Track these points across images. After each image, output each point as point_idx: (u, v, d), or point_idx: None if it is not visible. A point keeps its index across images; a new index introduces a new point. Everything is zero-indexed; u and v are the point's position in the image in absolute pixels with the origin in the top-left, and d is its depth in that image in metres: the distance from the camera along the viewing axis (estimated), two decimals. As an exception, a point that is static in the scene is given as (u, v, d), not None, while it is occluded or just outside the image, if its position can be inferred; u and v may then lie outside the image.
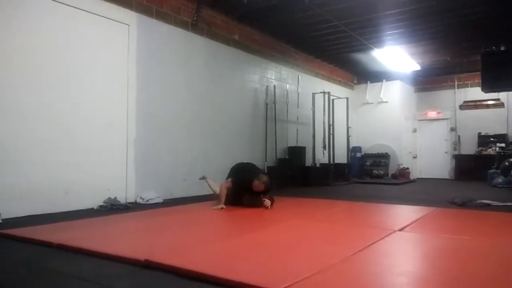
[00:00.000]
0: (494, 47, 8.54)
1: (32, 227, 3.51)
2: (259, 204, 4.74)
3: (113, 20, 5.38)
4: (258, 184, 4.75)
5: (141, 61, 5.75)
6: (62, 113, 4.75)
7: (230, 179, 4.98)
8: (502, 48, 8.48)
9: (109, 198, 5.04)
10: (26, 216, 4.21)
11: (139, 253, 2.52)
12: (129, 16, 5.61)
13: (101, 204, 4.93)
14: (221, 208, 4.72)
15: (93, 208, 4.85)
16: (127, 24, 5.58)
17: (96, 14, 5.16)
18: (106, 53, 5.31)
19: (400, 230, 3.41)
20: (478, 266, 2.37)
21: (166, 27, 6.18)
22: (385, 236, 3.11)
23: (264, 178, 4.81)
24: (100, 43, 5.22)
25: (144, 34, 5.81)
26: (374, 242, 2.89)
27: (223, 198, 4.80)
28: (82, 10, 4.99)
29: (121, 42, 5.52)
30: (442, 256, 2.65)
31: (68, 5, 4.82)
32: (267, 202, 4.71)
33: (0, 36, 4.24)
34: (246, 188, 4.82)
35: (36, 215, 4.30)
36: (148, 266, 2.34)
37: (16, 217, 4.11)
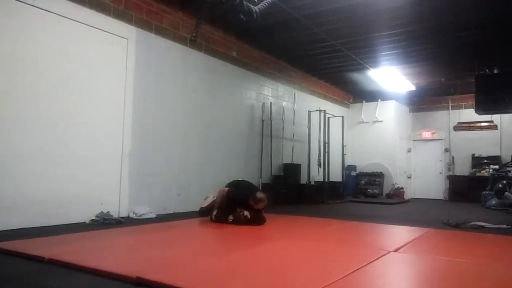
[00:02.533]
0: (487, 70, 8.69)
1: (23, 240, 3.45)
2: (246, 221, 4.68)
3: (112, 34, 5.41)
4: (259, 199, 4.68)
5: (139, 75, 5.77)
6: (58, 125, 4.73)
7: (227, 188, 4.92)
8: (495, 71, 8.63)
9: (102, 212, 4.98)
10: (18, 229, 4.14)
11: (131, 269, 2.48)
12: (128, 31, 5.65)
13: (93, 218, 4.86)
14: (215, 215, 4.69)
15: (85, 222, 4.78)
16: (125, 38, 5.61)
17: (95, 28, 5.19)
18: (104, 66, 5.33)
19: (395, 251, 3.39)
20: (473, 290, 2.36)
21: (164, 42, 6.23)
22: (380, 257, 3.08)
23: (263, 194, 4.76)
24: (98, 56, 5.24)
25: (143, 49, 5.84)
26: (369, 263, 2.86)
27: (217, 204, 4.74)
28: (81, 23, 5.02)
29: (119, 55, 5.55)
30: (437, 278, 2.63)
31: (67, 18, 4.85)
32: (247, 213, 4.66)
33: (-1, 47, 4.25)
34: (240, 203, 4.77)
35: (28, 228, 4.23)
36: (140, 283, 2.30)
37: (7, 230, 4.03)
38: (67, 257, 2.80)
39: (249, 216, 4.63)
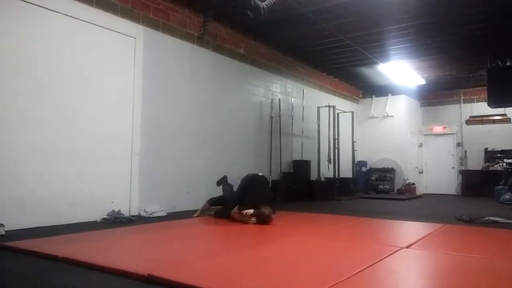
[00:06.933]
0: (499, 62, 8.54)
1: (36, 239, 3.49)
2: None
3: (119, 33, 5.44)
4: (265, 216, 4.57)
5: (147, 74, 5.79)
6: (66, 125, 4.77)
7: (237, 207, 4.80)
8: (508, 63, 8.47)
9: (113, 210, 5.02)
10: (30, 228, 4.20)
11: (142, 267, 2.48)
12: (136, 29, 5.67)
13: (105, 217, 4.90)
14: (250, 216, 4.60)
15: (96, 221, 4.82)
16: (133, 37, 5.63)
17: (103, 27, 5.22)
18: (112, 66, 5.35)
19: (407, 247, 3.35)
20: (485, 285, 2.32)
21: (172, 40, 6.23)
22: (392, 253, 3.05)
23: (269, 211, 4.62)
24: (106, 55, 5.27)
25: (150, 47, 5.86)
26: (381, 259, 2.83)
27: (242, 218, 4.67)
28: (89, 22, 5.05)
29: (128, 54, 5.57)
30: (450, 274, 2.59)
31: (75, 18, 4.88)
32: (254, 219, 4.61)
33: (4, 47, 4.28)
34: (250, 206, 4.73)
35: (40, 227, 4.29)
36: (151, 281, 2.31)
37: (20, 229, 4.09)
38: (80, 256, 2.82)
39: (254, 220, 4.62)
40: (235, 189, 5.38)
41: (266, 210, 4.59)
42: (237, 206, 4.80)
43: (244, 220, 4.64)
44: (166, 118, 6.08)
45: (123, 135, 5.44)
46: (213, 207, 5.50)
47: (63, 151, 4.70)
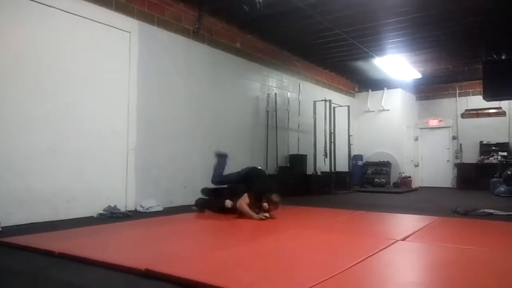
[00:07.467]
0: (495, 56, 8.56)
1: (33, 235, 3.49)
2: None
3: (114, 27, 5.40)
4: (275, 202, 4.62)
5: (142, 69, 5.76)
6: (62, 121, 4.75)
7: (246, 194, 4.75)
8: (503, 57, 8.49)
9: (109, 206, 5.01)
10: (27, 224, 4.19)
11: (139, 262, 2.49)
12: (131, 24, 5.63)
13: (101, 212, 4.89)
14: (265, 217, 4.56)
15: (92, 216, 4.82)
16: (128, 32, 5.60)
17: (98, 22, 5.18)
18: (107, 61, 5.32)
19: (403, 239, 3.37)
20: (481, 277, 2.34)
21: (167, 34, 6.20)
22: (388, 246, 3.07)
23: (279, 198, 4.67)
24: (101, 50, 5.23)
25: (145, 42, 5.82)
26: (377, 252, 2.85)
27: (252, 213, 4.60)
28: (83, 17, 5.00)
29: (122, 49, 5.53)
30: (445, 266, 2.61)
31: (69, 12, 4.84)
32: (267, 214, 4.59)
33: (0, 44, 4.24)
34: (256, 198, 4.73)
35: (37, 222, 4.28)
36: (149, 275, 2.31)
37: (16, 225, 4.09)
38: (76, 251, 2.83)
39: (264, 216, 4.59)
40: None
41: (276, 198, 4.67)
42: (244, 200, 4.73)
43: (253, 217, 4.56)
44: (162, 113, 6.06)
45: (119, 130, 5.42)
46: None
47: (60, 147, 4.68)
